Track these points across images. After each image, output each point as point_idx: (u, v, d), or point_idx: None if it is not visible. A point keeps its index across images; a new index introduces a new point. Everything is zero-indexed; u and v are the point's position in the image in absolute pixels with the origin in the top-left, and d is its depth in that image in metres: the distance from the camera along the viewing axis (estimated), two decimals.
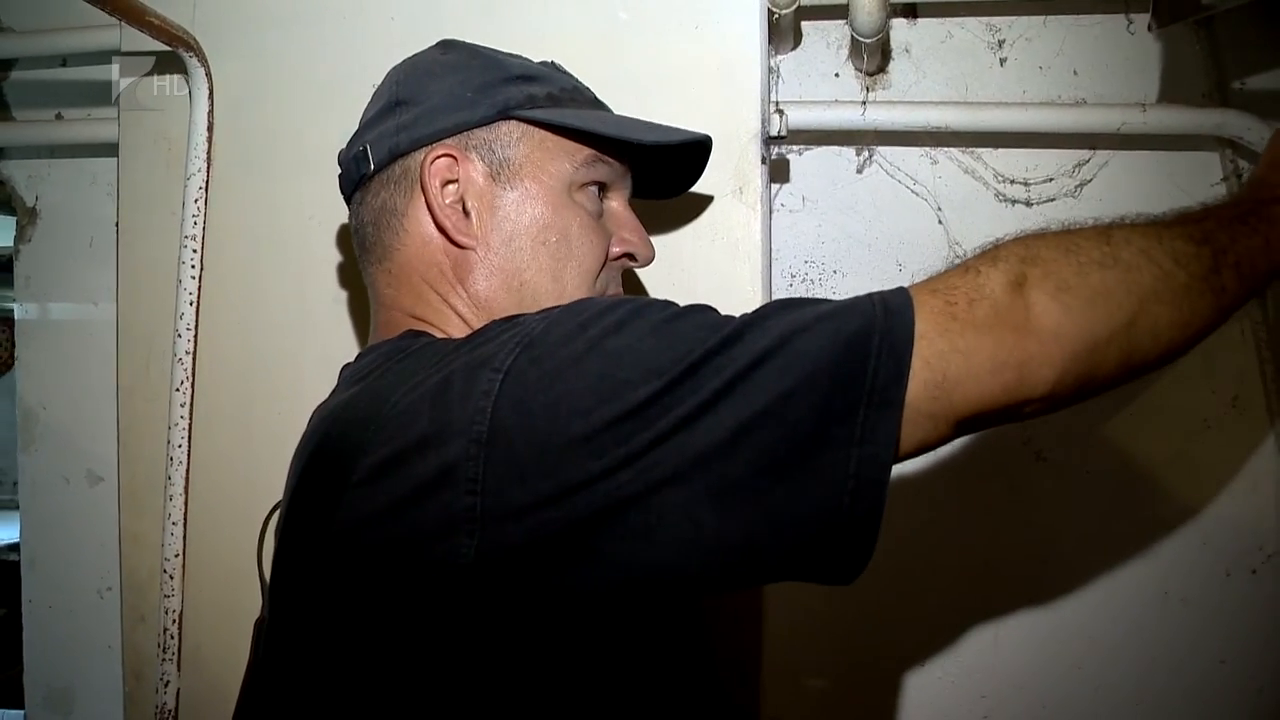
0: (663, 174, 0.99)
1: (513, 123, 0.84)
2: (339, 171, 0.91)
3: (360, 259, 0.90)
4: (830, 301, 0.69)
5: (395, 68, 0.91)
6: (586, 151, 0.85)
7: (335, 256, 1.19)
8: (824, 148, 1.33)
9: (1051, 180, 1.32)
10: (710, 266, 1.12)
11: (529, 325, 0.68)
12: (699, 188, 1.08)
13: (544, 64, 0.92)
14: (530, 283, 0.82)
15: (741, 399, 0.63)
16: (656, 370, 0.63)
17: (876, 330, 0.65)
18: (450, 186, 0.83)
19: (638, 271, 1.10)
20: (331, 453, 0.71)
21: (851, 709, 1.33)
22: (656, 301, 0.70)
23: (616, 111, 0.95)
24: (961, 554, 1.32)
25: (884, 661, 1.33)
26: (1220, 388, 1.30)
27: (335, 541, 0.67)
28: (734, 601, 1.17)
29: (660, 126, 0.92)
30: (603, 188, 0.88)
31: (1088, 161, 1.31)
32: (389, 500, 0.64)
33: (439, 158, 0.82)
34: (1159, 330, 0.72)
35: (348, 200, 0.91)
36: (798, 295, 0.71)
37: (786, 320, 0.66)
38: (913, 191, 1.33)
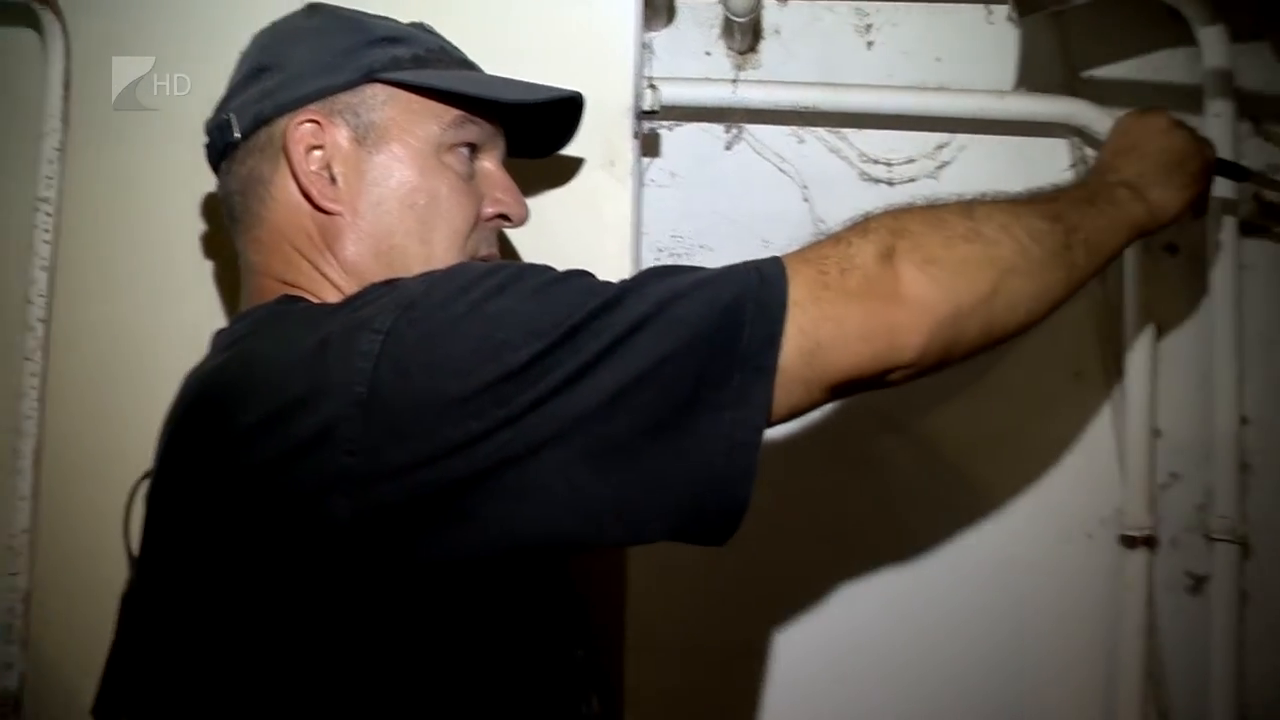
0: (537, 132, 0.99)
1: (378, 85, 0.83)
2: (205, 141, 0.89)
3: (230, 227, 0.89)
4: (707, 269, 0.71)
5: (260, 32, 0.90)
6: (454, 113, 0.85)
7: (200, 224, 1.16)
8: (694, 124, 1.35)
9: (913, 161, 1.36)
10: (579, 239, 1.13)
11: (409, 288, 0.68)
12: (572, 152, 1.09)
13: (413, 25, 0.91)
14: (399, 246, 0.82)
15: (620, 362, 0.65)
16: (537, 332, 0.64)
17: (751, 297, 0.68)
18: (316, 152, 0.82)
19: (509, 239, 1.11)
20: (207, 415, 0.71)
21: (710, 675, 1.37)
22: (536, 266, 0.71)
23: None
24: (816, 522, 1.36)
25: (742, 627, 1.37)
26: (1062, 361, 1.37)
27: (212, 504, 0.67)
28: (596, 567, 1.19)
29: (528, 84, 0.92)
30: (474, 148, 0.88)
31: (948, 144, 1.36)
32: (266, 460, 0.65)
33: (303, 123, 0.82)
34: (1017, 301, 0.77)
35: (215, 169, 0.90)
36: (654, 265, 0.74)
37: (664, 286, 0.68)
38: (780, 169, 1.36)
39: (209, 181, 1.10)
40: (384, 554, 0.64)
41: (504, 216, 0.90)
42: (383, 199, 0.82)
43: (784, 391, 0.68)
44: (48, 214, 1.16)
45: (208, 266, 1.16)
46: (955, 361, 0.77)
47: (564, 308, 0.66)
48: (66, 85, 1.17)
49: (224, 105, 0.88)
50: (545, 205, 1.13)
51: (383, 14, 0.91)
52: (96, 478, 1.14)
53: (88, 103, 1.17)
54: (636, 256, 1.16)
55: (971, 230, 0.77)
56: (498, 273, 0.69)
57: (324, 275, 0.82)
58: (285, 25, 0.89)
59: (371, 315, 0.66)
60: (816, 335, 0.69)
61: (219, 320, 1.10)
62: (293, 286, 0.82)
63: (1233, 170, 1.11)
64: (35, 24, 1.15)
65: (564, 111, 0.99)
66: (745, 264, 0.71)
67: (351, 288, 0.80)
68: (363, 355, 0.64)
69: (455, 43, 0.93)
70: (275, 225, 0.84)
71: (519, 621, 0.77)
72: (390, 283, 0.72)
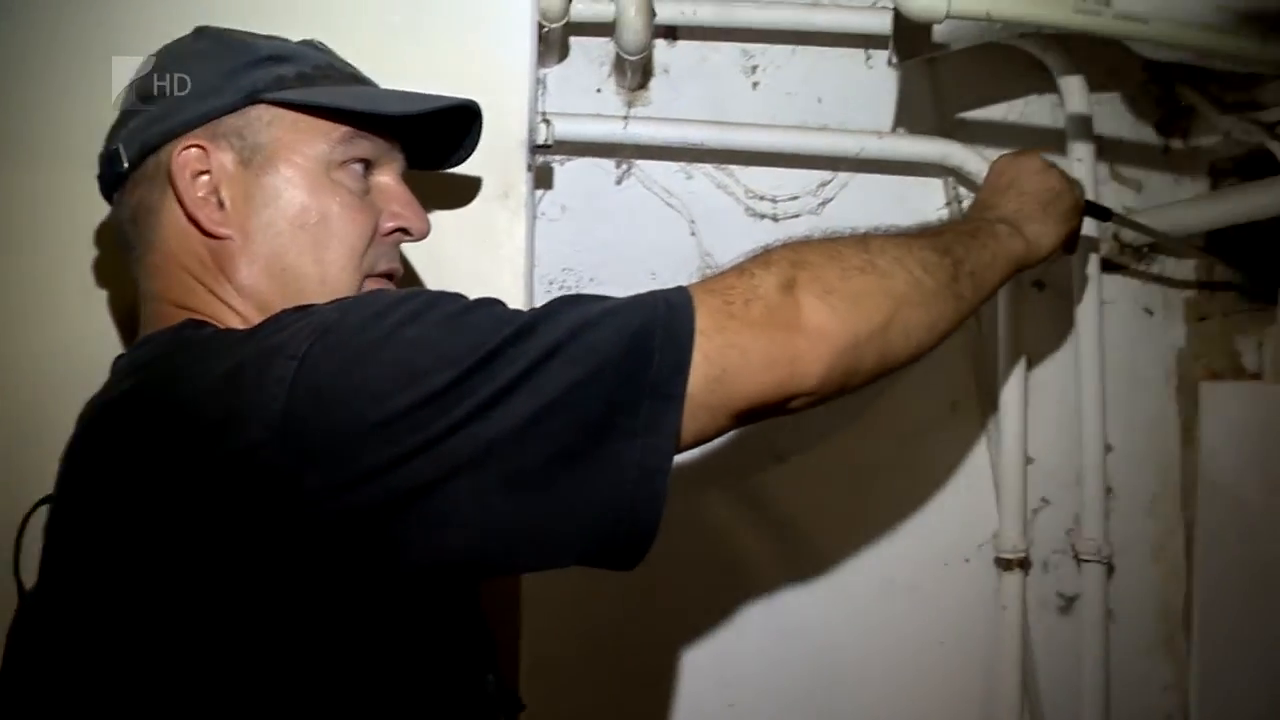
0: (439, 143, 0.99)
1: (262, 106, 0.82)
2: (97, 173, 0.88)
3: (125, 255, 0.87)
4: (614, 299, 0.73)
5: (148, 58, 0.88)
6: (341, 129, 0.84)
7: (86, 252, 1.13)
8: (585, 159, 1.37)
9: (797, 198, 1.41)
10: (475, 270, 1.14)
11: (323, 314, 0.68)
12: (468, 184, 1.10)
13: (302, 43, 0.90)
14: (292, 267, 0.81)
15: (534, 389, 0.65)
16: (452, 360, 0.65)
17: (659, 326, 0.69)
18: (202, 178, 0.81)
19: (408, 269, 1.11)
20: (119, 441, 0.70)
21: (606, 701, 1.37)
22: (448, 294, 0.71)
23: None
24: (708, 548, 1.38)
25: (638, 653, 1.39)
26: (940, 393, 1.43)
27: (127, 530, 0.66)
28: (490, 592, 1.19)
29: (415, 95, 0.91)
30: (367, 164, 0.87)
31: (830, 182, 1.41)
32: (183, 488, 0.64)
33: (187, 149, 0.81)
34: (910, 330, 0.81)
35: (108, 200, 0.88)
36: (563, 295, 0.74)
37: (575, 314, 0.69)
38: (668, 204, 1.39)
39: (101, 207, 1.09)
40: (302, 579, 0.64)
41: (404, 230, 0.89)
42: (272, 221, 0.81)
43: (691, 418, 0.70)
44: None
45: (101, 295, 1.13)
46: (853, 389, 0.80)
47: (478, 335, 0.67)
48: None
49: (113, 135, 0.86)
50: (441, 235, 1.12)
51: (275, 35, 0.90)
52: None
53: None
54: (530, 288, 1.17)
55: (867, 263, 0.80)
56: (412, 300, 0.69)
57: (221, 300, 0.81)
58: (173, 50, 0.88)
59: (285, 341, 0.66)
60: (722, 363, 0.71)
61: (111, 347, 1.07)
62: (191, 310, 0.81)
63: (1096, 210, 1.17)
64: None
65: (463, 121, 0.98)
66: (652, 293, 0.73)
67: (250, 311, 0.81)
68: (277, 381, 0.64)
69: None
70: (168, 252, 0.83)
71: (434, 648, 0.77)
72: (303, 309, 0.72)
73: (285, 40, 0.89)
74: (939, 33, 1.13)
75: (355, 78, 0.91)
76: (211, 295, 0.81)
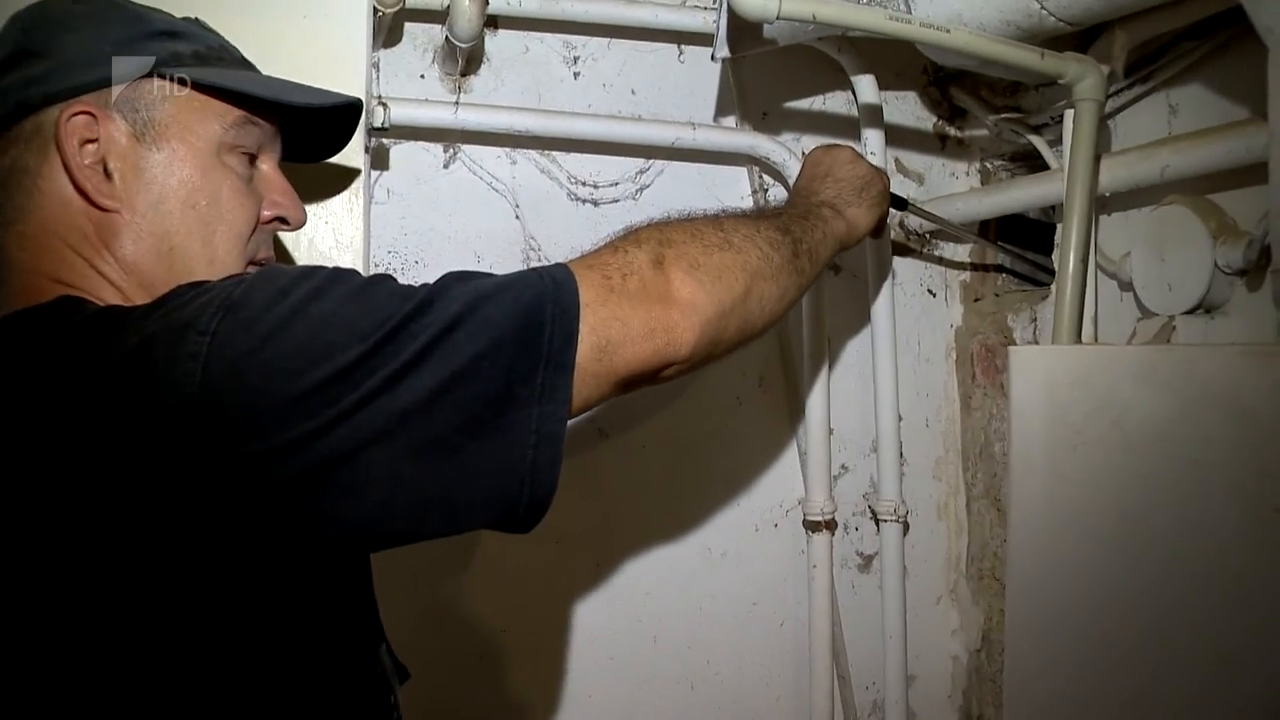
0: (312, 137, 0.99)
1: (157, 80, 0.81)
2: None
3: None
4: (499, 275, 0.76)
5: (18, 14, 0.83)
6: (237, 113, 0.84)
7: None
8: (412, 143, 1.38)
9: (617, 184, 1.47)
10: (314, 251, 1.13)
11: (225, 290, 0.68)
12: (318, 168, 1.10)
13: (188, 20, 0.88)
14: (180, 247, 0.80)
15: (438, 361, 0.68)
16: (360, 334, 0.67)
17: (549, 299, 0.73)
18: (90, 146, 0.78)
19: None
20: (23, 423, 0.67)
21: (447, 677, 1.39)
22: (344, 270, 0.73)
23: None
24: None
25: (472, 629, 1.41)
26: (749, 369, 1.52)
27: (32, 514, 0.65)
28: None
29: (311, 89, 0.92)
30: (253, 152, 0.87)
31: (647, 169, 1.48)
32: (97, 465, 0.63)
33: (76, 114, 0.77)
34: (765, 301, 0.88)
35: None
36: (450, 271, 0.76)
37: (469, 290, 0.72)
38: (494, 189, 1.42)
39: None
40: (220, 551, 0.65)
41: (282, 219, 0.89)
42: (163, 198, 0.80)
43: (581, 386, 0.74)
44: None
45: None
46: (716, 358, 0.86)
47: (382, 310, 0.68)
48: None
49: None
50: None
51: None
52: None
53: None
54: (367, 270, 1.18)
55: (724, 240, 0.86)
56: (313, 275, 0.70)
57: (101, 274, 0.79)
58: (52, 8, 0.83)
59: (192, 316, 0.66)
60: (606, 334, 0.75)
61: None
62: (66, 285, 0.78)
63: (894, 200, 1.28)
64: None
65: (342, 116, 0.99)
66: (535, 270, 0.76)
67: (131, 288, 0.79)
68: (190, 357, 0.64)
69: None
70: (44, 220, 0.79)
71: (335, 619, 0.78)
72: (198, 285, 0.71)
73: (172, 15, 0.87)
74: (768, 31, 1.21)
75: (244, 63, 0.90)
76: (91, 269, 0.79)
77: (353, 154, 1.13)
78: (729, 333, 0.85)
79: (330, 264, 1.09)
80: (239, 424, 0.63)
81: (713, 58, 1.28)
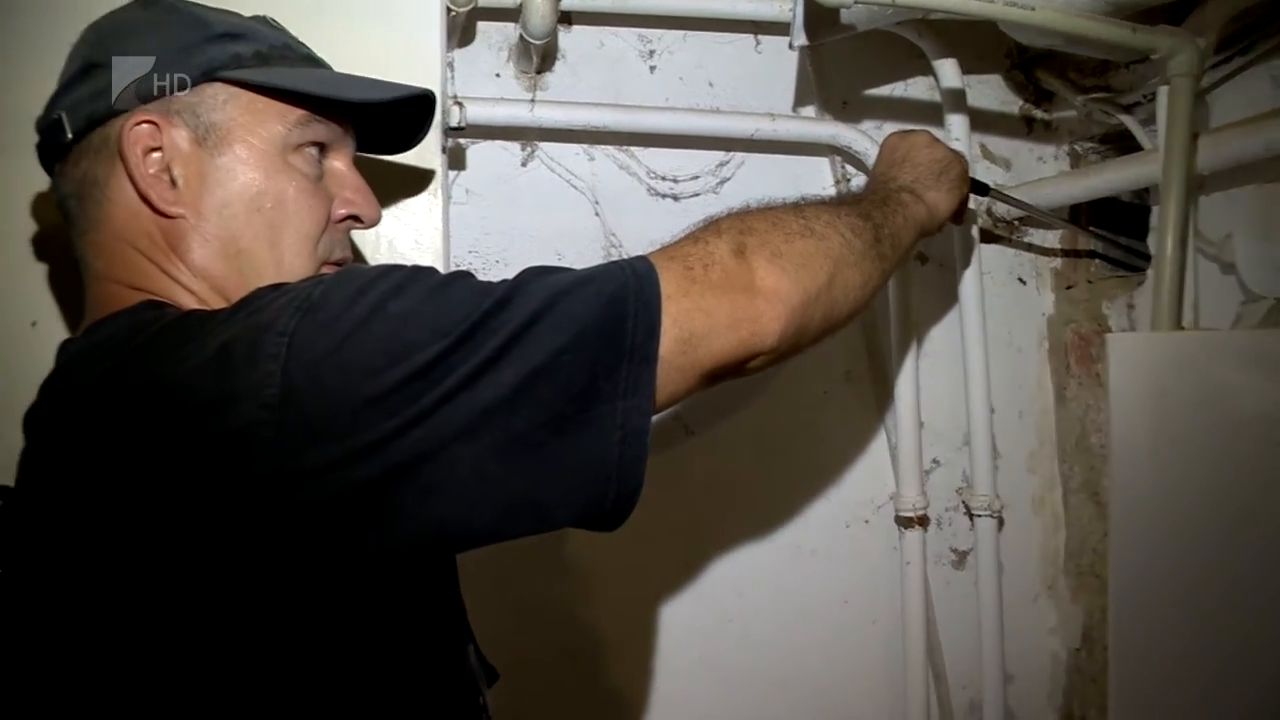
0: (390, 129, 0.98)
1: (218, 84, 0.80)
2: (37, 140, 0.83)
3: (68, 230, 0.83)
4: (580, 269, 0.74)
5: (90, 26, 0.84)
6: (299, 112, 0.82)
7: (30, 226, 1.08)
8: (490, 142, 1.38)
9: (696, 178, 1.45)
10: (394, 252, 1.13)
11: (303, 291, 0.68)
12: (396, 169, 1.10)
13: (256, 19, 0.87)
14: (247, 250, 0.80)
15: (520, 357, 0.66)
16: (440, 331, 0.65)
17: (631, 292, 0.71)
18: (154, 154, 0.78)
19: None
20: (105, 429, 0.67)
21: (532, 678, 1.38)
22: (423, 267, 0.72)
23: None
24: (629, 524, 1.41)
25: (559, 630, 1.41)
26: (836, 363, 1.49)
27: (117, 517, 0.65)
28: None
29: (374, 82, 0.90)
30: (322, 148, 0.85)
31: (727, 162, 1.46)
32: (178, 467, 0.63)
33: (139, 124, 0.78)
34: (849, 288, 0.86)
35: (48, 171, 0.84)
36: (530, 266, 0.75)
37: (549, 284, 0.70)
38: (572, 186, 1.41)
39: (36, 182, 1.04)
40: (303, 553, 0.64)
41: (355, 218, 0.88)
42: (227, 202, 0.79)
43: (665, 380, 0.72)
44: None
45: (37, 271, 1.08)
46: (803, 348, 0.84)
47: (461, 307, 0.67)
48: None
49: (54, 103, 0.82)
50: None
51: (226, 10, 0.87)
52: None
53: None
54: (448, 270, 1.18)
55: (805, 227, 0.84)
56: (391, 274, 0.69)
57: (174, 279, 0.79)
58: (120, 18, 0.84)
59: (272, 318, 0.66)
60: (690, 326, 0.73)
61: (45, 330, 1.03)
62: (146, 292, 0.79)
63: (976, 186, 1.25)
64: None
65: (413, 109, 0.97)
66: (615, 263, 0.74)
67: (205, 291, 0.79)
68: (270, 358, 0.63)
69: None
70: (115, 229, 0.80)
71: (421, 621, 0.77)
72: (278, 286, 0.71)
73: (238, 15, 0.86)
74: (845, 16, 1.19)
75: (310, 59, 0.89)
76: (164, 275, 0.79)
77: (430, 154, 1.13)
78: (814, 321, 0.82)
79: (409, 264, 1.10)
80: (319, 425, 0.63)
81: (790, 46, 1.25)
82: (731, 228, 0.81)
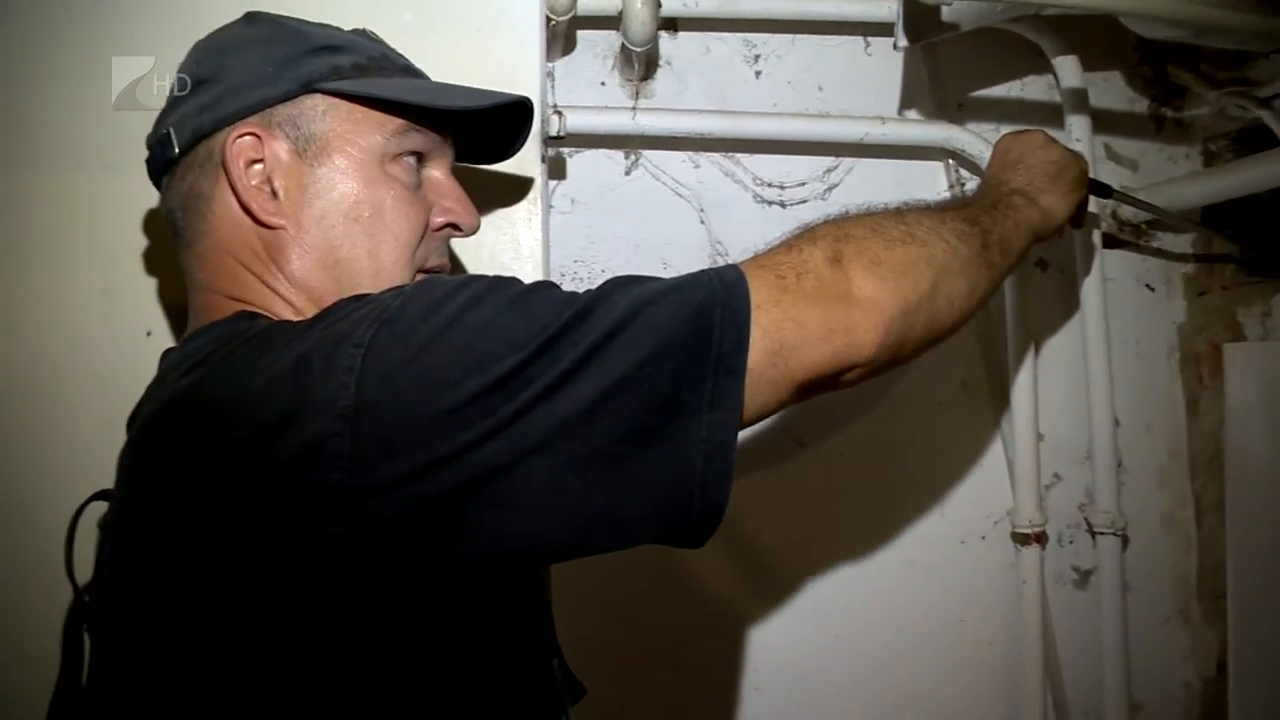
0: (489, 138, 0.98)
1: (318, 96, 0.81)
2: (146, 156, 0.86)
3: (175, 243, 0.85)
4: (666, 278, 0.72)
5: (198, 43, 0.87)
6: (397, 122, 0.83)
7: (142, 240, 1.12)
8: (594, 151, 1.38)
9: (804, 184, 1.42)
10: (494, 261, 1.14)
11: (383, 302, 0.68)
12: (495, 178, 1.10)
13: (355, 32, 0.89)
14: (346, 259, 0.81)
15: (599, 368, 0.65)
16: (517, 343, 0.64)
17: (718, 301, 0.69)
18: (256, 166, 0.80)
19: None
20: (184, 436, 0.68)
21: (633, 686, 1.37)
22: (504, 278, 0.71)
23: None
24: (732, 535, 1.39)
25: (661, 636, 1.39)
26: (951, 372, 1.44)
27: (195, 524, 0.65)
28: None
29: (473, 91, 0.90)
30: (420, 157, 0.86)
31: (835, 168, 1.43)
32: (251, 480, 0.63)
33: (241, 137, 0.79)
34: (953, 297, 0.81)
35: (156, 185, 0.86)
36: (616, 276, 0.73)
37: (633, 294, 0.68)
38: (677, 194, 1.40)
39: (149, 198, 1.08)
40: (376, 568, 0.63)
41: (454, 226, 0.88)
42: (326, 212, 0.80)
43: (753, 393, 0.70)
44: None
45: (149, 284, 1.12)
46: (904, 360, 0.79)
47: (541, 318, 0.66)
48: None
49: (163, 119, 0.85)
50: None
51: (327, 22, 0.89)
52: (36, 503, 1.08)
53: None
54: (547, 279, 1.18)
55: (906, 233, 0.80)
56: (471, 285, 0.68)
57: (273, 290, 0.80)
58: (223, 35, 0.86)
59: (349, 330, 0.65)
60: (780, 336, 0.71)
61: (159, 340, 1.07)
62: (240, 301, 0.80)
63: (1098, 188, 1.19)
64: None
65: (510, 117, 0.96)
66: (704, 271, 0.72)
67: (302, 302, 0.80)
68: (345, 370, 0.63)
69: None
70: (218, 241, 0.81)
71: (504, 634, 0.76)
72: (359, 298, 0.71)
73: (338, 29, 0.88)
74: (947, 14, 1.15)
75: (408, 69, 0.90)
76: (263, 285, 0.81)
77: (529, 163, 1.13)
78: (915, 331, 0.78)
79: (510, 275, 1.10)
80: (393, 437, 0.62)
81: (895, 47, 1.22)
82: (828, 234, 0.78)
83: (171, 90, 0.86)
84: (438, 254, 0.87)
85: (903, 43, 1.18)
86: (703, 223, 1.40)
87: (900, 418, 1.44)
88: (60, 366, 1.10)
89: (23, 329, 1.11)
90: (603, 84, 1.40)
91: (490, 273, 1.11)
